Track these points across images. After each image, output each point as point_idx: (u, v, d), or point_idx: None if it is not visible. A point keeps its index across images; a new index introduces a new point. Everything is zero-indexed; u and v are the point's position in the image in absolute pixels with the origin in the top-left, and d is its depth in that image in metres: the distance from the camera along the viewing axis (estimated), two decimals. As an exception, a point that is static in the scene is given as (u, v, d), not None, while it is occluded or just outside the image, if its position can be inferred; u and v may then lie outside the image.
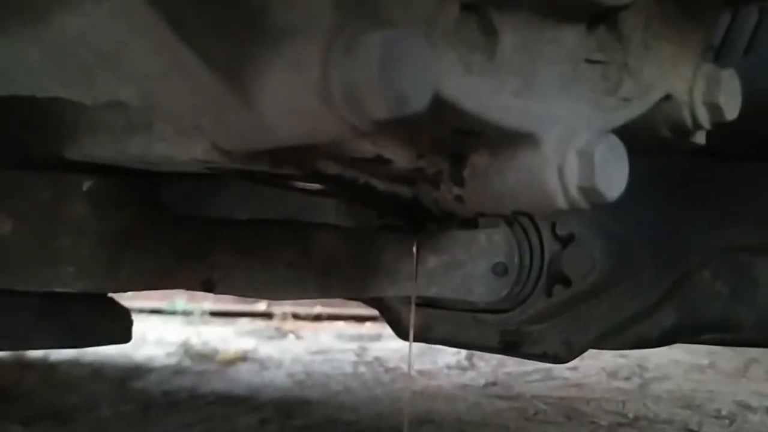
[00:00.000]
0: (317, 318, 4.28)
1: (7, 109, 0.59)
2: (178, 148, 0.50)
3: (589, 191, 0.51)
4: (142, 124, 0.52)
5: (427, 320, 1.09)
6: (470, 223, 0.78)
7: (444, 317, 1.07)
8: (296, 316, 4.25)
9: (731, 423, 2.52)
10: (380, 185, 0.57)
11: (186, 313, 4.09)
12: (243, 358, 3.16)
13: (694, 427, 2.43)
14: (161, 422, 2.14)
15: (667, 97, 0.63)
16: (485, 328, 1.04)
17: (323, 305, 4.37)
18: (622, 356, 3.74)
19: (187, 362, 3.05)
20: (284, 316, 4.24)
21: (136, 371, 2.81)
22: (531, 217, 0.96)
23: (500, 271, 0.95)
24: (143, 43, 0.47)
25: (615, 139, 0.52)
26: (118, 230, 0.77)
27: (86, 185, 0.74)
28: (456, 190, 0.56)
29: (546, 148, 0.51)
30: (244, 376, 2.87)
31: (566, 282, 0.94)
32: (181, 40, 0.45)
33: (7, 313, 0.77)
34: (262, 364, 3.11)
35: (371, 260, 0.88)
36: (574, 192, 0.51)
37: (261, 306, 4.30)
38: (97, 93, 0.53)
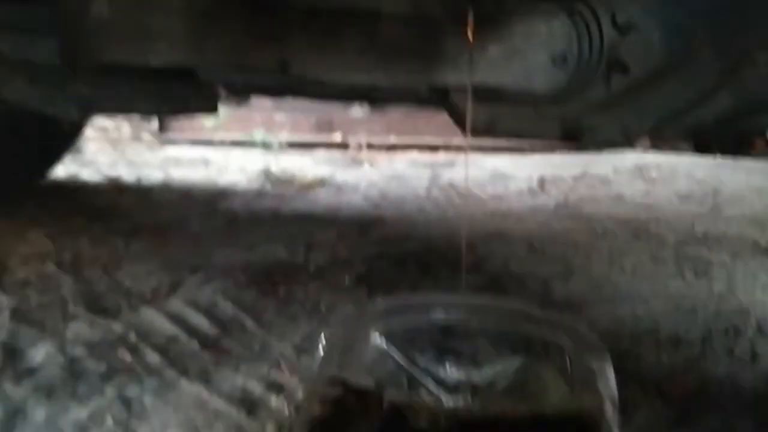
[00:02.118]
0: (392, 148, 4.37)
1: None
2: None
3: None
4: None
5: (491, 115, 1.14)
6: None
7: (507, 111, 1.11)
8: (371, 146, 4.36)
9: (802, 240, 2.54)
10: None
11: (265, 145, 4.24)
12: (321, 183, 3.30)
13: (763, 243, 2.46)
14: (247, 235, 2.31)
15: None
16: (547, 120, 1.08)
17: (397, 135, 4.45)
18: (697, 183, 3.73)
19: (268, 187, 3.21)
20: (359, 146, 4.36)
21: (222, 194, 2.98)
22: (591, 7, 0.97)
23: (560, 60, 0.98)
24: None
25: None
26: (202, 10, 0.83)
27: None
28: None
29: None
30: (322, 199, 3.01)
31: (624, 70, 0.97)
32: None
33: (112, 83, 0.86)
34: (339, 188, 3.24)
35: (433, 47, 0.92)
36: None
37: (336, 137, 4.41)
38: None
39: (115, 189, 2.99)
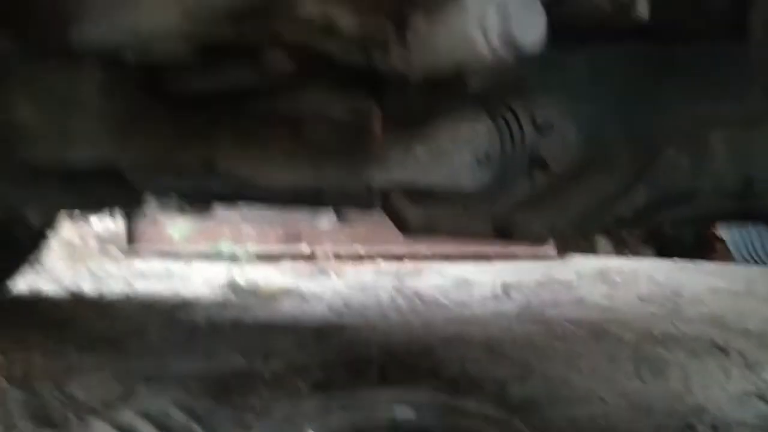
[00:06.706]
0: (358, 257, 4.41)
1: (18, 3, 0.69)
2: (160, 16, 0.59)
3: (508, 40, 0.59)
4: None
5: (428, 216, 1.17)
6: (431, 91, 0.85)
7: (443, 212, 1.15)
8: (338, 256, 4.39)
9: (759, 339, 2.57)
10: (337, 52, 0.65)
11: (232, 256, 4.25)
12: (285, 293, 3.30)
13: (720, 342, 2.48)
14: (206, 345, 2.29)
15: (600, -28, 0.71)
16: (480, 219, 1.12)
17: (364, 245, 4.49)
18: (658, 285, 3.78)
19: (232, 297, 3.21)
20: (326, 257, 4.39)
21: (184, 305, 2.97)
22: (512, 110, 1.03)
23: (484, 159, 1.02)
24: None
25: (529, -4, 0.60)
26: (125, 110, 0.87)
27: (97, 74, 0.85)
28: (402, 53, 0.64)
29: (470, 6, 0.59)
30: (286, 308, 3.01)
31: (544, 166, 1.02)
32: None
33: (37, 185, 0.89)
34: (303, 297, 3.24)
35: (360, 148, 0.96)
36: (495, 42, 0.59)
37: (304, 248, 4.44)
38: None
39: (74, 302, 2.96)
